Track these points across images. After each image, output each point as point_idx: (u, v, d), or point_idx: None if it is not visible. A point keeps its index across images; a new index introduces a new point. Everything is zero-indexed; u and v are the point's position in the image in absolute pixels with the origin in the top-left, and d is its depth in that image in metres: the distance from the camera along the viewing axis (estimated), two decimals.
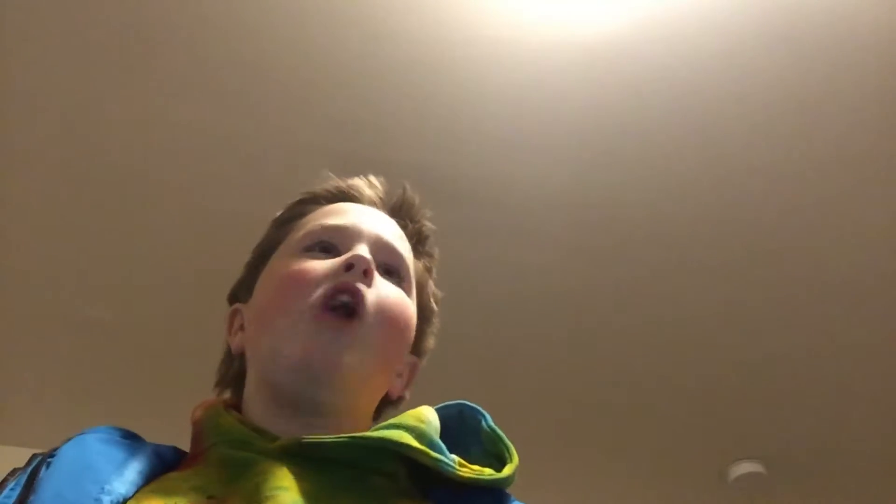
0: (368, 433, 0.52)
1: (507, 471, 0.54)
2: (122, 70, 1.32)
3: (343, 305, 0.56)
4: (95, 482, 0.47)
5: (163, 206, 1.50)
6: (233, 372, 0.63)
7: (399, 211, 0.66)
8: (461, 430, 0.58)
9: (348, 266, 0.57)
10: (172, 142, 1.41)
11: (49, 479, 0.47)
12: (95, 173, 1.45)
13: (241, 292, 0.65)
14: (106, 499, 0.46)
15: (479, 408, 0.59)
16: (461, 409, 0.59)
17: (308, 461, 0.50)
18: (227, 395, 0.63)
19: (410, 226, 0.67)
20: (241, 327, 0.62)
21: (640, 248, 1.58)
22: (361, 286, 0.56)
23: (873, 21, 1.29)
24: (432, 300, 0.67)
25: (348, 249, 0.59)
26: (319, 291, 0.56)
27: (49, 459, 0.50)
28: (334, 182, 0.67)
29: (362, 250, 0.58)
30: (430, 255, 0.68)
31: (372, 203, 0.65)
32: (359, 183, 0.67)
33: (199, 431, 0.55)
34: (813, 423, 1.87)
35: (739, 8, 1.29)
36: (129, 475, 0.49)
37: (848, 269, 1.61)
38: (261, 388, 0.58)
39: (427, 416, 0.55)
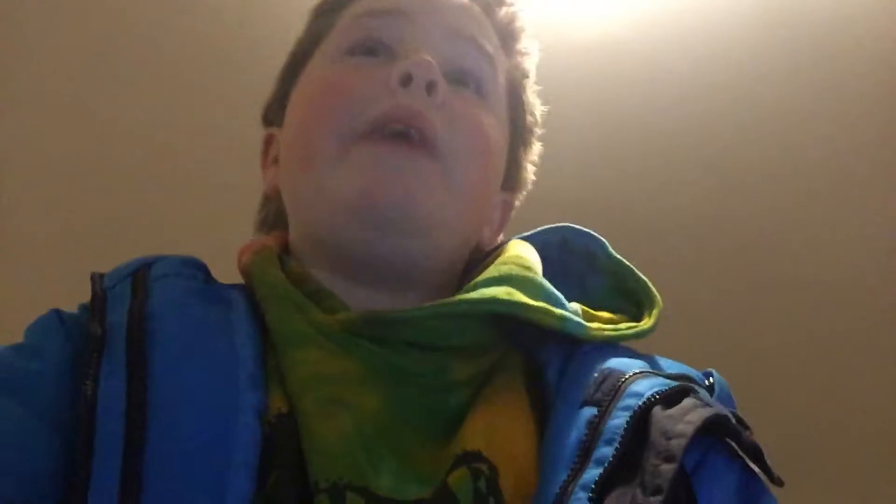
0: (466, 295, 0.39)
1: (649, 321, 0.41)
2: (124, 69, 1.32)
3: (401, 135, 0.40)
4: (224, 373, 0.35)
5: (166, 207, 1.50)
6: (272, 216, 0.49)
7: None
8: (567, 263, 0.45)
9: (405, 79, 0.40)
10: (176, 142, 1.42)
11: (164, 366, 0.34)
12: (97, 174, 1.45)
13: (273, 111, 0.49)
14: (244, 401, 0.34)
15: (592, 233, 0.45)
16: (565, 234, 0.46)
17: (375, 344, 0.38)
18: (275, 233, 0.48)
19: (500, 11, 0.47)
20: (276, 159, 0.47)
21: (639, 246, 1.58)
22: (425, 109, 0.40)
23: (873, 23, 1.30)
24: (529, 115, 0.49)
25: (404, 50, 0.42)
26: (368, 113, 0.41)
27: (146, 325, 0.36)
28: None
29: (424, 52, 0.41)
30: (525, 54, 0.49)
31: None
32: None
33: (251, 284, 0.42)
34: (813, 424, 1.88)
35: (739, 9, 1.29)
36: (250, 365, 0.36)
37: (846, 267, 1.62)
38: (308, 244, 0.43)
39: (532, 260, 0.42)
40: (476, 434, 0.36)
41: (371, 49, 0.43)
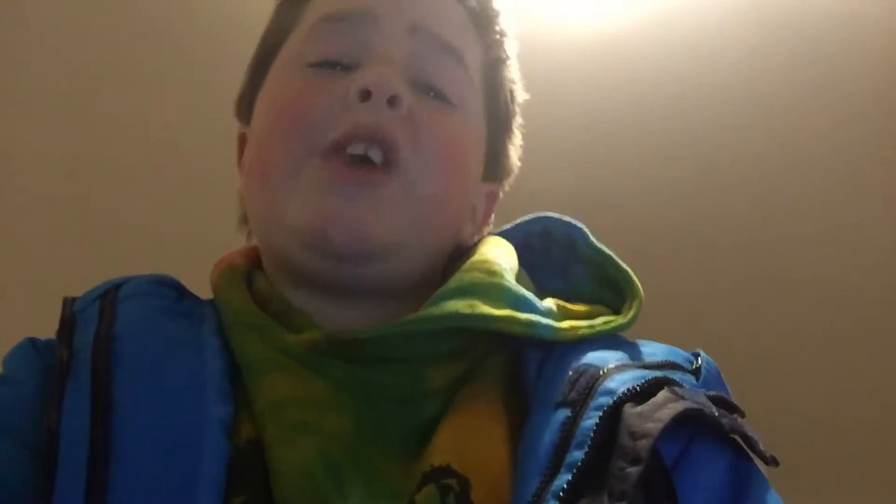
0: (427, 313, 0.37)
1: (628, 315, 0.40)
2: (122, 68, 1.32)
3: (360, 158, 0.38)
4: (191, 388, 0.34)
5: (165, 208, 1.50)
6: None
7: None
8: (551, 252, 0.44)
9: (364, 95, 0.39)
10: (175, 142, 1.42)
11: (128, 386, 0.33)
12: (95, 173, 1.45)
13: (244, 107, 0.47)
14: (212, 415, 0.33)
15: (573, 222, 0.44)
16: (546, 224, 0.45)
17: (344, 361, 0.37)
18: (248, 246, 0.47)
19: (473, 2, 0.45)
20: None
21: (638, 246, 1.59)
22: (387, 123, 0.39)
23: (874, 23, 1.30)
24: (507, 101, 0.47)
25: (367, 57, 0.40)
26: (327, 133, 0.39)
27: (111, 347, 0.35)
28: None
29: (383, 62, 0.39)
30: (502, 37, 0.46)
31: None
32: None
33: (215, 292, 0.42)
34: (813, 424, 1.88)
35: (739, 9, 1.29)
36: (218, 379, 0.35)
37: (850, 266, 1.62)
38: (272, 261, 0.42)
39: (497, 262, 0.40)
40: (445, 448, 0.35)
41: (332, 63, 0.41)
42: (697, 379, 0.39)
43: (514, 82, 0.48)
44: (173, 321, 0.38)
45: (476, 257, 0.41)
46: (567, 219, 0.44)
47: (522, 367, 0.39)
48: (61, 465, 0.31)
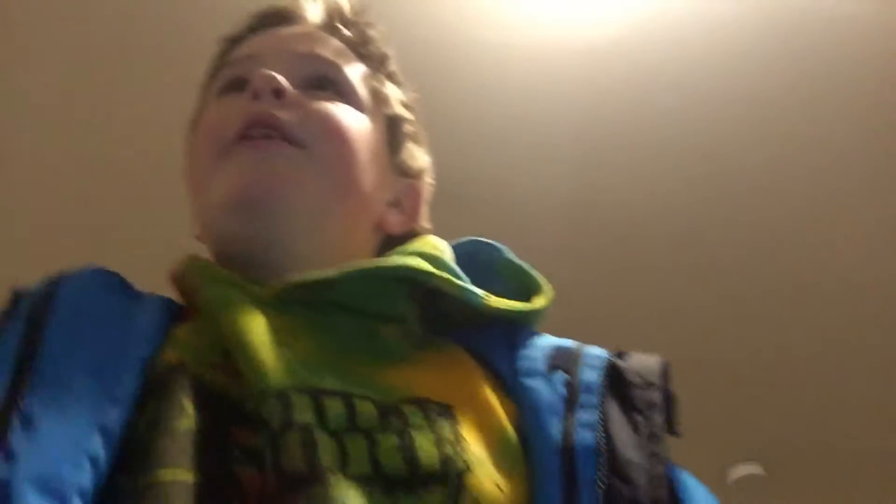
0: (381, 262, 0.45)
1: (542, 301, 0.47)
2: (123, 67, 1.32)
3: (263, 136, 0.46)
4: (117, 330, 0.40)
5: (167, 208, 1.50)
6: None
7: (334, 21, 0.53)
8: (475, 269, 0.49)
9: (255, 94, 0.46)
10: (175, 141, 1.41)
11: (57, 327, 0.39)
12: (97, 173, 1.46)
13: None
14: (133, 352, 0.39)
15: (494, 243, 0.51)
16: (476, 245, 0.51)
17: (306, 309, 0.42)
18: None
19: (348, 33, 0.53)
20: None
21: (640, 248, 1.59)
22: (276, 110, 0.46)
23: (872, 25, 1.29)
24: (399, 106, 0.53)
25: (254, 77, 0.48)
26: (231, 130, 0.46)
27: (50, 301, 0.40)
28: (256, 11, 0.54)
29: (266, 69, 0.47)
30: (381, 57, 0.54)
31: (312, 22, 0.53)
32: (285, 4, 0.53)
33: (182, 279, 0.45)
34: (813, 425, 1.88)
35: (739, 11, 1.29)
36: (146, 329, 0.40)
37: (848, 269, 1.62)
38: (217, 258, 0.47)
39: (441, 245, 0.48)
40: (426, 384, 0.41)
41: (237, 85, 0.49)
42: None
43: (399, 91, 0.54)
44: (109, 294, 0.43)
45: (422, 239, 0.49)
46: (491, 242, 0.51)
47: (486, 356, 0.45)
48: None
